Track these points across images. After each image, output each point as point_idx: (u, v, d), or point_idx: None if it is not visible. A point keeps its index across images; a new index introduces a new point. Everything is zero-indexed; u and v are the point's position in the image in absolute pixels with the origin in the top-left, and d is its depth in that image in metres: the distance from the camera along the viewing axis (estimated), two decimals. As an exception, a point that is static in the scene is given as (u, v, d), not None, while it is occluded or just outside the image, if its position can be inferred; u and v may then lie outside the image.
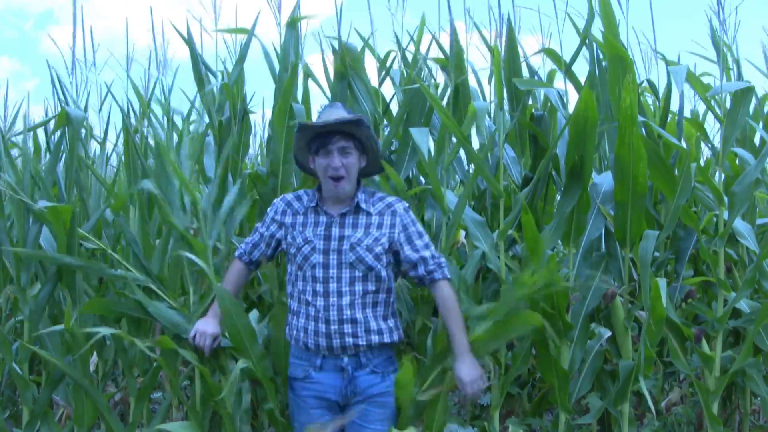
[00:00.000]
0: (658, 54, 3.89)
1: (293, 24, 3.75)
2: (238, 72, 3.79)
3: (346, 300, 2.64)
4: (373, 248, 2.66)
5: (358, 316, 2.65)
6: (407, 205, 2.84)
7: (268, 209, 2.89)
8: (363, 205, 2.70)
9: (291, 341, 2.80)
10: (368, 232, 2.68)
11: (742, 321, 3.68)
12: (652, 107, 4.34)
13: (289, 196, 2.85)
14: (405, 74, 3.85)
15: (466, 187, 3.58)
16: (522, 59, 3.73)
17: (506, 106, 3.71)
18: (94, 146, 4.56)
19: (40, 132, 4.54)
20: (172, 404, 3.86)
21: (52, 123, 4.13)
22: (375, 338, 2.67)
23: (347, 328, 2.64)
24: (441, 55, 3.86)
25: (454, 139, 3.56)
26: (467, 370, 2.70)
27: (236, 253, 2.96)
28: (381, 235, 2.69)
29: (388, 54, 3.96)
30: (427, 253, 2.74)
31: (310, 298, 2.67)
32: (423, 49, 3.89)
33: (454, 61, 3.64)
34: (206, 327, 2.87)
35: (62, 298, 3.82)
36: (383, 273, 2.71)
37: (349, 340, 2.64)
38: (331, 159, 2.64)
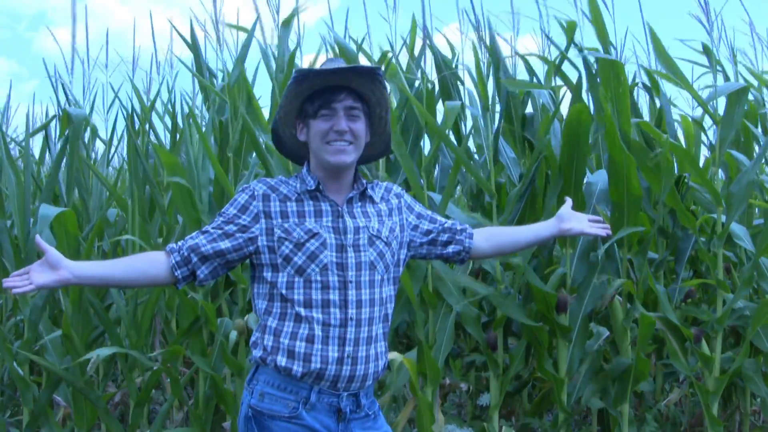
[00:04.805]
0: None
1: (288, 23, 3.76)
2: (239, 72, 3.75)
3: (366, 313, 2.02)
4: (391, 242, 2.10)
5: (373, 334, 2.05)
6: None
7: (236, 196, 2.08)
8: (369, 191, 2.14)
9: (267, 365, 2.03)
10: (382, 221, 2.11)
11: (740, 321, 3.67)
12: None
13: (270, 180, 2.12)
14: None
15: (449, 182, 3.53)
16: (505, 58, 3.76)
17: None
18: (100, 147, 4.61)
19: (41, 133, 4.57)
20: (172, 405, 3.87)
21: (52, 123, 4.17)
22: (380, 365, 2.09)
23: (362, 351, 2.01)
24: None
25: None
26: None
27: (170, 257, 2.01)
28: (394, 225, 2.14)
29: (384, 54, 3.98)
30: (447, 222, 2.28)
31: (316, 313, 1.99)
32: (416, 50, 3.93)
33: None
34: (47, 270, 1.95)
35: (62, 297, 3.83)
36: (399, 275, 2.20)
37: (361, 368, 2.01)
38: (335, 121, 2.02)
